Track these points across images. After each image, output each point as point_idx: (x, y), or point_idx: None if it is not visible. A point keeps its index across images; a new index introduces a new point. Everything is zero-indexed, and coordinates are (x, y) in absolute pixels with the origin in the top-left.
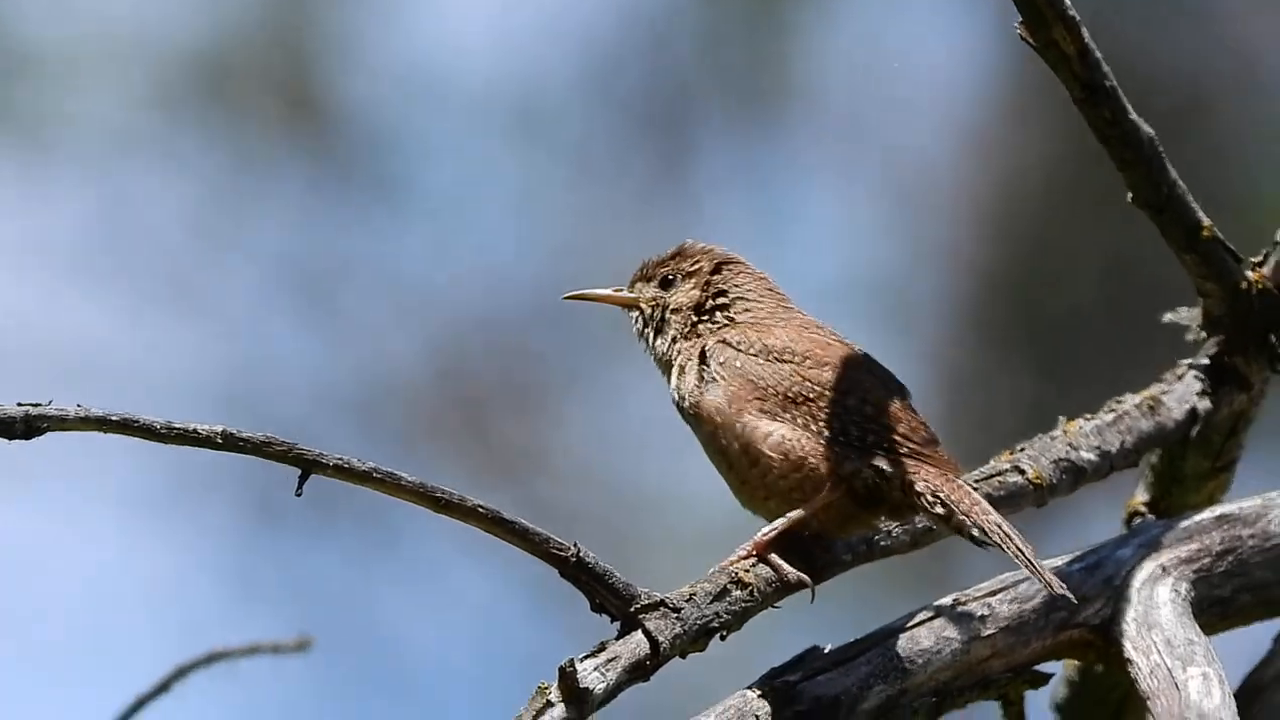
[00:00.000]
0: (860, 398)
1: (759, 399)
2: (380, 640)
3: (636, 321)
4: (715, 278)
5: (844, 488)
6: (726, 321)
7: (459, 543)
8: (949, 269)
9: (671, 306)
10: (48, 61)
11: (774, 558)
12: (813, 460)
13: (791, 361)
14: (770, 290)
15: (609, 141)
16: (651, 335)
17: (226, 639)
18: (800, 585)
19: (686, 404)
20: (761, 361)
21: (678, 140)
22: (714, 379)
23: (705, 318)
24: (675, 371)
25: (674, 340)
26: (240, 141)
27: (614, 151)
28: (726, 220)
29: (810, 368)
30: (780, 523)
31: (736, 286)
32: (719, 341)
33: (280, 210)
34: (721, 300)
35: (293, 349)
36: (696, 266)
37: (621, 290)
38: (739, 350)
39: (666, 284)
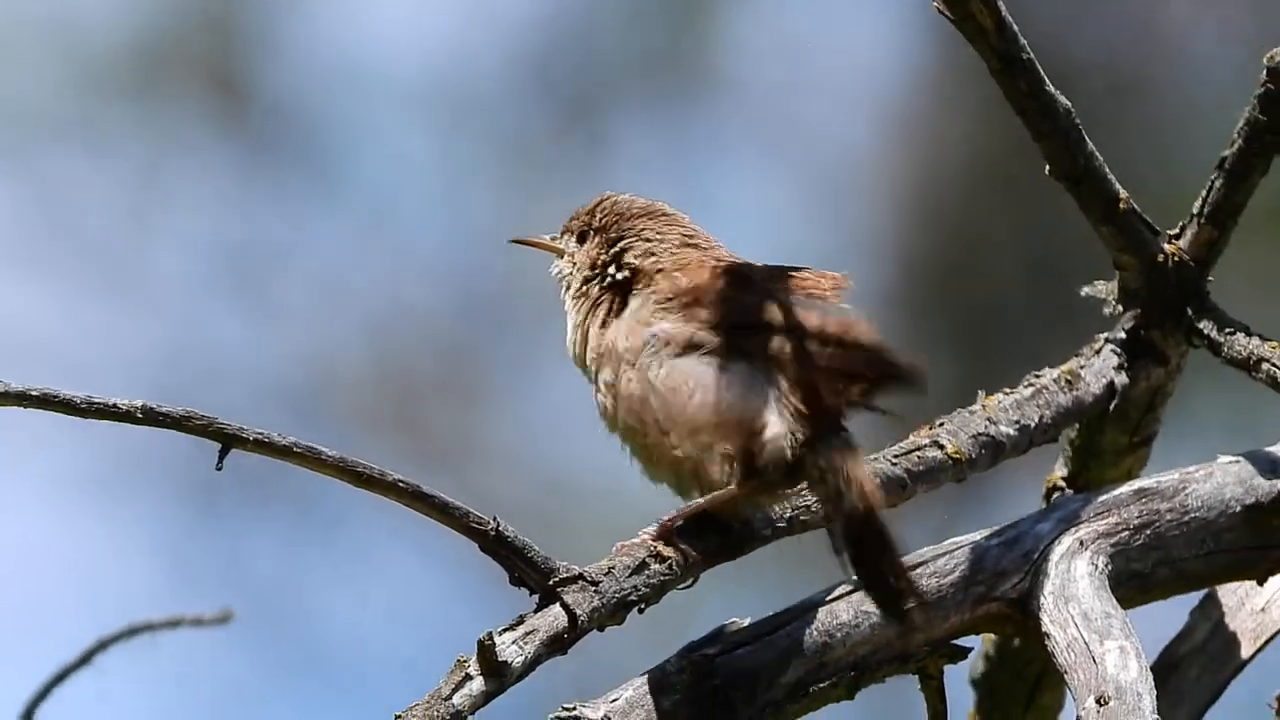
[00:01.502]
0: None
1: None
2: (308, 619)
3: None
4: (619, 240)
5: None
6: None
7: (392, 525)
8: (873, 251)
9: (576, 264)
10: None
11: (675, 540)
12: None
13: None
14: (682, 236)
15: (535, 128)
16: (561, 290)
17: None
18: (695, 565)
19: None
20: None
21: (603, 125)
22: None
23: (598, 277)
24: (568, 326)
25: (572, 297)
26: (169, 127)
27: (540, 137)
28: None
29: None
30: (681, 509)
31: (637, 243)
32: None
33: (210, 197)
34: (619, 260)
35: (225, 337)
36: (603, 223)
37: (557, 240)
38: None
39: (582, 238)
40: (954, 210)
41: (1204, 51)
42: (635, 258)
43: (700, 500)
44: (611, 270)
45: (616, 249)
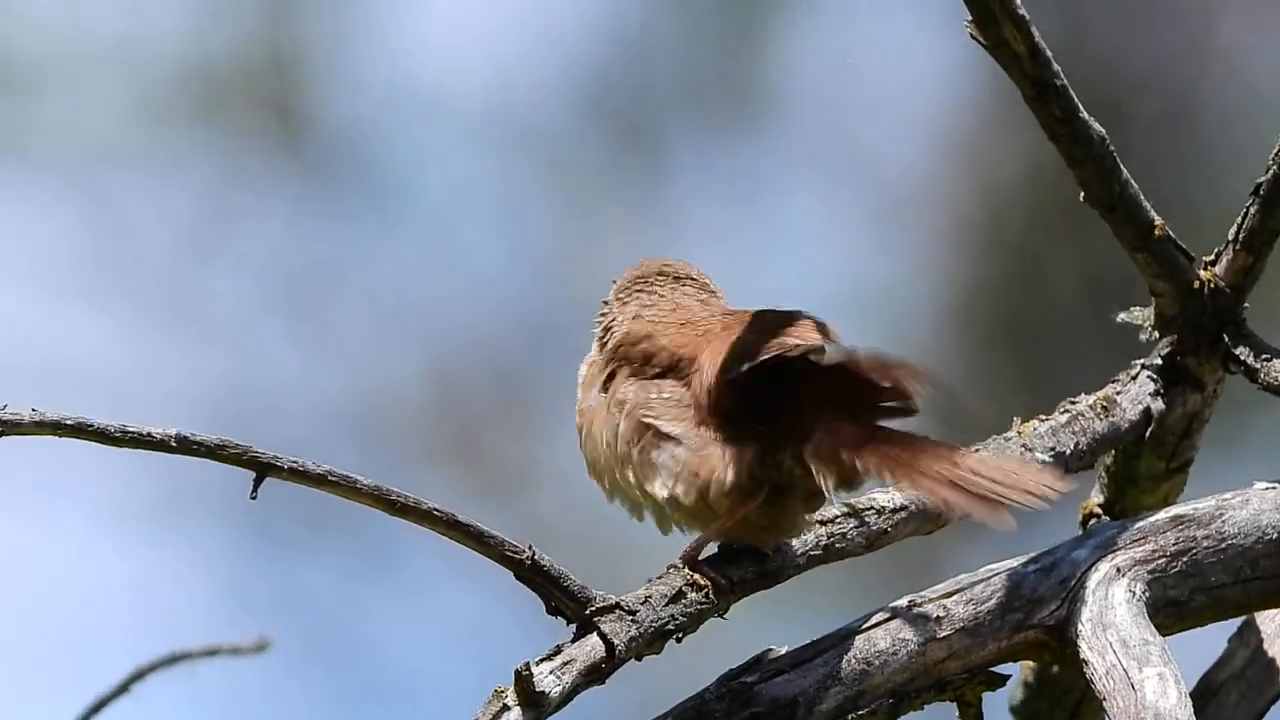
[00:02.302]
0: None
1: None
2: (351, 646)
3: None
4: (608, 323)
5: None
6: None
7: (442, 552)
8: (931, 273)
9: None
10: (33, 73)
11: (704, 568)
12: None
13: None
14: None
15: (594, 153)
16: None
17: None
18: (727, 593)
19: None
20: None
21: (662, 150)
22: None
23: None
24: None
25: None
26: (230, 156)
27: (599, 163)
28: (712, 232)
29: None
30: (700, 536)
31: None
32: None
33: (270, 224)
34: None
35: (284, 365)
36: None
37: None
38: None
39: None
40: (1013, 232)
41: (1253, 76)
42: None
43: (714, 525)
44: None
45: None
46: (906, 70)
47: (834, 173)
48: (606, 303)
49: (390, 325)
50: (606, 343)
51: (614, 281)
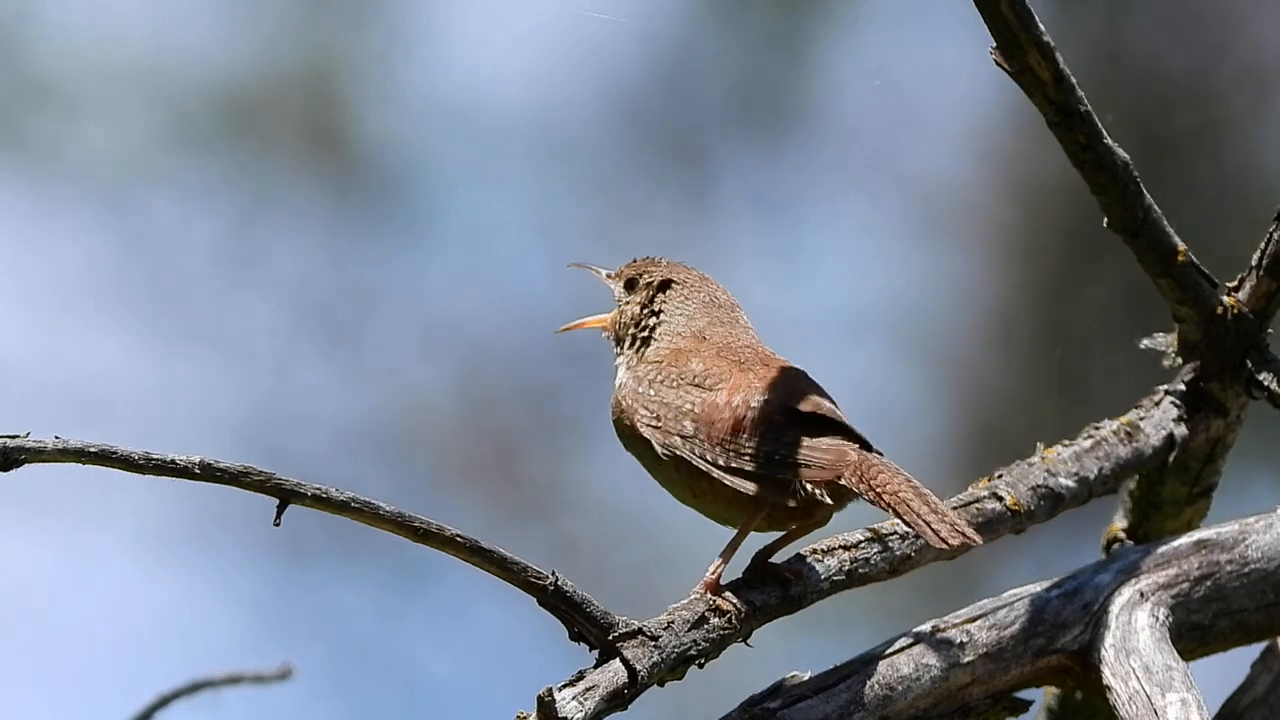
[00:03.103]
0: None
1: (656, 427)
2: (375, 670)
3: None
4: (658, 296)
5: (765, 511)
6: (644, 342)
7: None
8: (970, 289)
9: (622, 315)
10: (68, 92)
11: (727, 595)
12: (714, 487)
13: (696, 387)
14: (712, 309)
15: (632, 171)
16: (612, 343)
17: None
18: (750, 619)
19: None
20: (663, 389)
21: (703, 167)
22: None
23: (637, 333)
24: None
25: (619, 351)
26: (261, 176)
27: (637, 181)
28: (751, 246)
29: (708, 392)
30: (718, 561)
31: (673, 310)
32: (633, 365)
33: (302, 245)
34: (653, 320)
35: (314, 385)
36: (650, 279)
37: (610, 277)
38: (642, 377)
39: (630, 286)
40: (1051, 245)
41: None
42: (659, 336)
43: (726, 546)
44: (645, 325)
45: (654, 312)
46: (945, 86)
47: (873, 187)
48: (648, 285)
49: (421, 344)
50: (646, 337)
51: (647, 266)
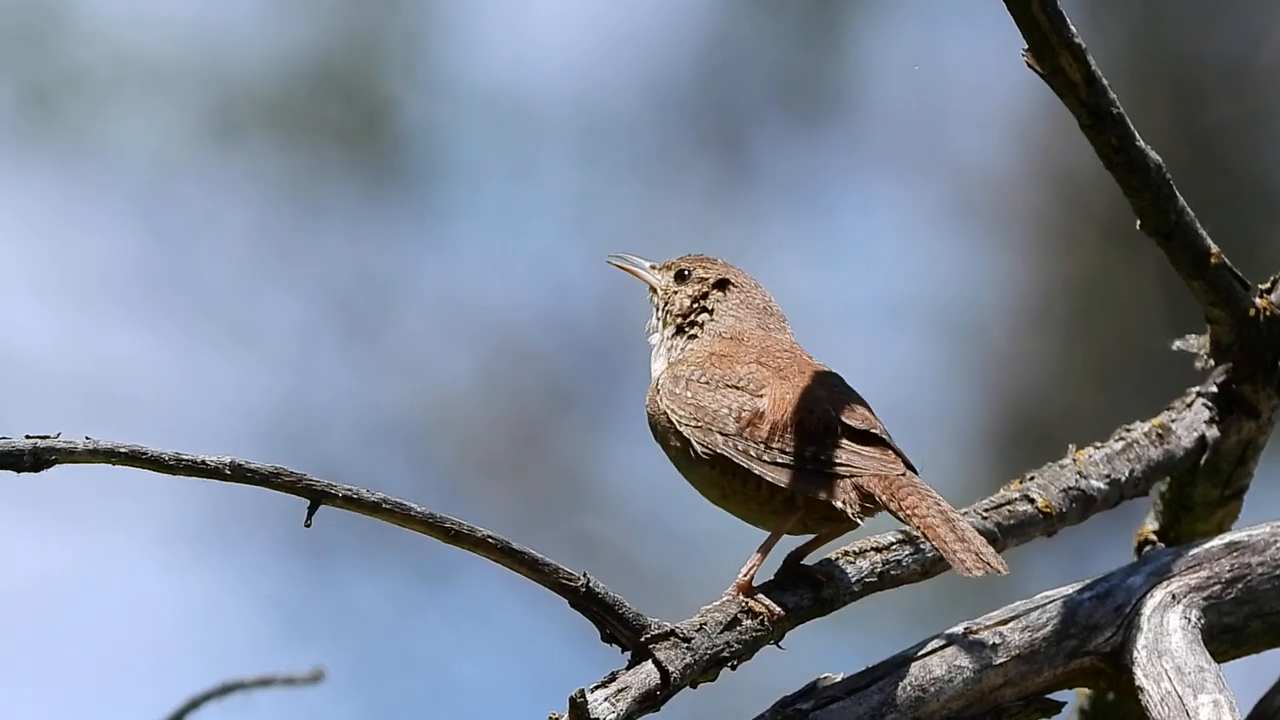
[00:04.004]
0: (805, 421)
1: (696, 426)
2: (404, 670)
3: (650, 303)
4: (712, 293)
5: (798, 514)
6: (689, 337)
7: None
8: (1007, 274)
9: (669, 304)
10: (96, 84)
11: (760, 597)
12: (746, 489)
13: (737, 390)
14: (763, 316)
15: (669, 158)
16: (652, 322)
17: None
18: (783, 621)
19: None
20: (703, 389)
21: (738, 154)
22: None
23: (684, 326)
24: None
25: (659, 339)
26: (289, 170)
27: (674, 168)
28: (787, 232)
29: (751, 397)
30: (751, 562)
31: (724, 310)
32: (672, 360)
33: (329, 241)
34: (703, 318)
35: (339, 380)
36: (705, 274)
37: (655, 269)
38: (681, 376)
39: (681, 278)
40: (1090, 232)
41: None
42: (704, 334)
43: (760, 547)
44: (691, 329)
45: (704, 310)
46: (984, 73)
47: (911, 174)
48: (702, 280)
49: (447, 340)
50: (693, 332)
51: (704, 261)
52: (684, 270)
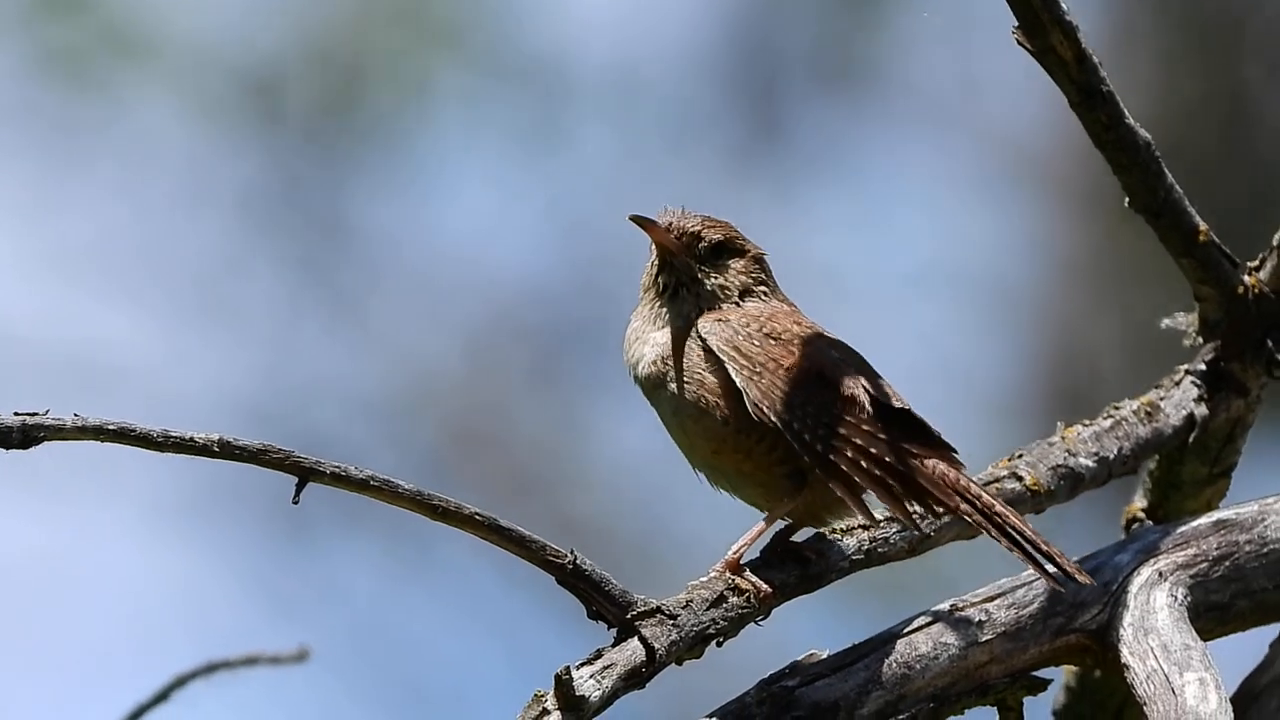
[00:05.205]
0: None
1: (752, 379)
2: (388, 648)
3: (656, 266)
4: (756, 267)
5: (797, 501)
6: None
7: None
8: (1037, 248)
9: (720, 283)
10: (78, 64)
11: (748, 574)
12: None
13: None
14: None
15: (700, 120)
16: (667, 289)
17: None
18: (770, 598)
19: (661, 375)
20: (769, 343)
21: (773, 121)
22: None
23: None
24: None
25: (687, 311)
26: (270, 148)
27: (704, 130)
28: (822, 199)
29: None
30: (742, 540)
31: (769, 286)
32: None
33: (311, 219)
34: (760, 288)
35: (321, 357)
36: (748, 249)
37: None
38: (741, 329)
39: (717, 250)
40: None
41: None
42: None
43: (755, 527)
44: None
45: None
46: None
47: (947, 141)
48: (753, 257)
49: (429, 315)
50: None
51: (737, 233)
52: (719, 241)
